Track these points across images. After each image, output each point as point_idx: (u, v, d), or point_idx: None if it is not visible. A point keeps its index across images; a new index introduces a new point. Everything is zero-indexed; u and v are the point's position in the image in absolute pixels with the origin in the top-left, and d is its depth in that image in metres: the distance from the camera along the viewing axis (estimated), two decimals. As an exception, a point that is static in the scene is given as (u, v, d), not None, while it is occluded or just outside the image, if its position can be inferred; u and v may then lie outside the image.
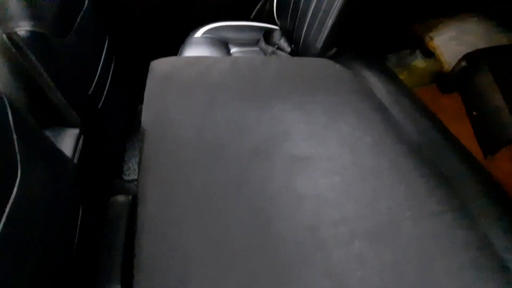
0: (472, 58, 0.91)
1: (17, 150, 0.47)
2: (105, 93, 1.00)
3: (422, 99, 0.74)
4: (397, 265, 0.44)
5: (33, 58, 0.66)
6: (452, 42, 0.99)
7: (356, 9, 0.86)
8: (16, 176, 0.46)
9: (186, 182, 0.48)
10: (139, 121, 0.59)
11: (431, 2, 1.09)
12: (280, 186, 0.51)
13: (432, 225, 0.51)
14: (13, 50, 0.64)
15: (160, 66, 0.74)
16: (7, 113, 0.47)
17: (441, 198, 0.55)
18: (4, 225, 0.41)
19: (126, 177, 1.20)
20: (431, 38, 1.04)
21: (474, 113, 0.90)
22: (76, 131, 0.83)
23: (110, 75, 1.05)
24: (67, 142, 0.79)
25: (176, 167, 0.50)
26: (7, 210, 0.42)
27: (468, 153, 0.61)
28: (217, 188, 0.48)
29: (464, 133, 0.79)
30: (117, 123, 1.14)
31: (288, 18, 1.08)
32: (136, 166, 1.31)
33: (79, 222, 0.60)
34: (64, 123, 0.83)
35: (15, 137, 0.47)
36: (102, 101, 0.97)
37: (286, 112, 0.67)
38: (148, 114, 0.60)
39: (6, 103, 0.47)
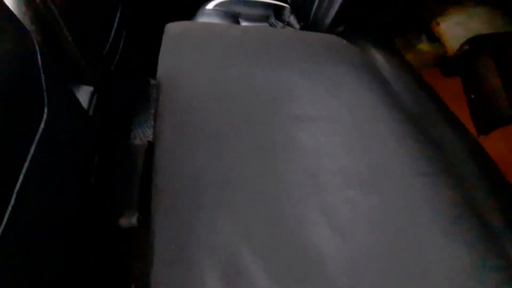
0: (475, 43, 0.94)
1: (44, 88, 0.51)
2: (117, 57, 1.03)
3: (422, 76, 0.78)
4: (385, 210, 0.49)
5: (54, 8, 0.69)
6: (457, 27, 1.02)
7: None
8: (43, 112, 0.50)
9: (198, 124, 0.52)
10: (149, 94, 0.62)
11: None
12: (284, 138, 0.56)
13: (421, 181, 0.55)
14: (36, -1, 0.67)
15: (174, 28, 0.77)
16: (36, 52, 0.51)
17: (431, 160, 0.59)
18: (35, 150, 0.45)
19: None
20: (438, 23, 1.06)
21: (472, 95, 0.94)
22: (90, 89, 0.87)
23: (122, 41, 1.08)
24: (82, 97, 0.83)
25: (189, 112, 0.54)
26: (36, 138, 0.47)
27: (460, 123, 0.65)
28: (227, 131, 0.52)
29: (461, 115, 0.83)
30: (128, 89, 1.18)
31: (299, -5, 1.11)
32: (142, 136, 1.35)
33: (94, 169, 0.64)
34: (79, 81, 0.86)
35: (42, 76, 0.51)
36: (115, 63, 1.01)
37: (293, 77, 0.71)
38: (163, 67, 0.64)
39: (35, 43, 0.51)
